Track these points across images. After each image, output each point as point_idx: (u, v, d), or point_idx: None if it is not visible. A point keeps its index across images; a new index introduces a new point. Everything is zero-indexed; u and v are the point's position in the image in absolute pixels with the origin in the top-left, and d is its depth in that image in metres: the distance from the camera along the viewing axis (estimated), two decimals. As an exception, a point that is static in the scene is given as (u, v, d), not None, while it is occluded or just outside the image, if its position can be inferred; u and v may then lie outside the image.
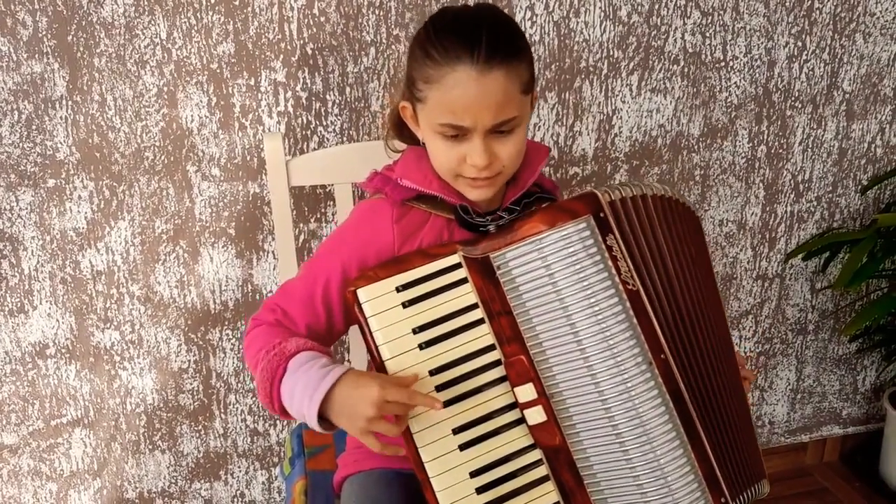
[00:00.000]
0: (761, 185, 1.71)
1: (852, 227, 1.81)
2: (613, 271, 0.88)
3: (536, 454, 0.91)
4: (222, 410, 1.56)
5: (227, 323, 1.51)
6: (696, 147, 1.64)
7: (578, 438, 0.90)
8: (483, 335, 0.92)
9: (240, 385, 1.55)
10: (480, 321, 0.92)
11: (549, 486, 0.91)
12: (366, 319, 0.91)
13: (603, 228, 0.89)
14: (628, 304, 0.88)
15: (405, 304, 0.91)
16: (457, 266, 0.93)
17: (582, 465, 0.90)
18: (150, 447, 1.55)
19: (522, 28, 1.45)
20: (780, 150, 1.70)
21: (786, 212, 1.75)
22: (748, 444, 0.97)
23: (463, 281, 0.92)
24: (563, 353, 0.89)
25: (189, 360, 1.51)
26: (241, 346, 1.53)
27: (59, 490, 1.54)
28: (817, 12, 1.60)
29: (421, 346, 0.90)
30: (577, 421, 0.90)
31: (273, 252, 1.48)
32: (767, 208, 1.74)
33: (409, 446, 0.90)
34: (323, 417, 0.86)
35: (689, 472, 0.89)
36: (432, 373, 0.90)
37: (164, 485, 1.59)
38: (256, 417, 1.58)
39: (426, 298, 0.91)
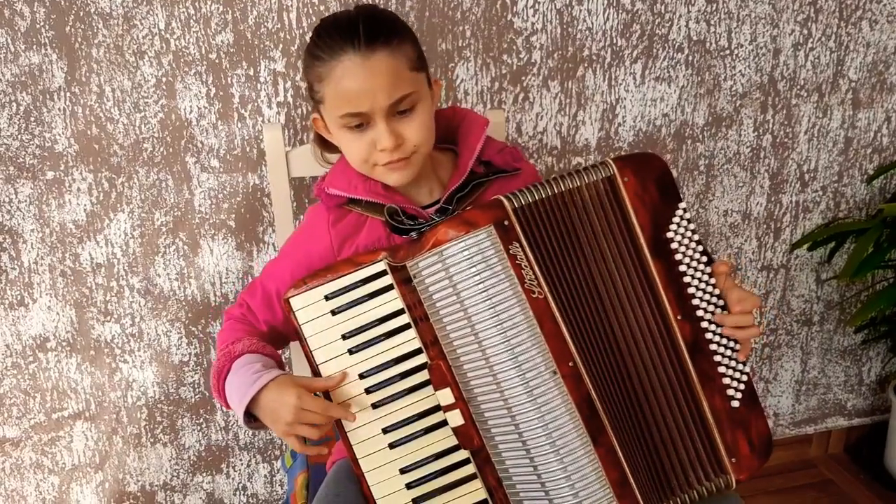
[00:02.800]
0: (766, 174, 1.70)
1: (858, 217, 1.80)
2: (516, 280, 0.88)
3: (464, 453, 0.94)
4: (224, 403, 1.56)
5: (228, 315, 1.50)
6: (700, 136, 1.63)
7: (494, 442, 0.92)
8: (410, 339, 0.95)
9: (241, 378, 1.55)
10: (407, 326, 0.95)
11: (477, 483, 0.94)
12: (300, 326, 0.96)
13: (506, 237, 0.89)
14: (531, 312, 0.88)
15: (334, 312, 0.95)
16: (382, 273, 0.95)
17: (500, 468, 0.93)
18: (152, 440, 1.55)
19: (525, 16, 1.44)
20: (786, 140, 1.68)
21: (791, 202, 1.74)
22: (682, 449, 0.93)
23: (389, 287, 0.95)
24: (473, 360, 0.90)
25: (190, 353, 1.51)
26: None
27: (61, 483, 1.54)
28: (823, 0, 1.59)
29: (350, 351, 0.95)
30: (491, 426, 0.92)
31: (273, 244, 1.47)
32: (773, 198, 1.73)
33: (345, 443, 0.95)
34: (255, 417, 0.95)
35: (594, 481, 0.88)
36: (362, 376, 0.95)
37: (165, 478, 1.58)
38: (258, 410, 1.58)
39: (353, 306, 0.95)
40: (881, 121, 1.73)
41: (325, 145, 1.08)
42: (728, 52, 1.57)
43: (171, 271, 1.45)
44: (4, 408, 1.46)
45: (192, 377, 1.52)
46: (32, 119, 1.31)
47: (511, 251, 0.88)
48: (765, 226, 1.74)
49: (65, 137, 1.33)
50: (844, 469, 1.95)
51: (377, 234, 1.01)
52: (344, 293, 0.95)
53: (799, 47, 1.61)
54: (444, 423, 0.94)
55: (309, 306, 0.96)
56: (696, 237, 0.95)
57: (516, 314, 0.88)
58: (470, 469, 0.94)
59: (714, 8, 1.53)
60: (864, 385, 1.98)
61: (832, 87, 1.67)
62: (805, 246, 1.76)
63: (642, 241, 0.93)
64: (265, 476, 1.64)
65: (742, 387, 0.94)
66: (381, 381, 0.95)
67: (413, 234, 0.97)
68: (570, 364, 0.89)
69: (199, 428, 1.56)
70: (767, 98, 1.63)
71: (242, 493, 1.64)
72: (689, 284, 0.93)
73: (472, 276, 0.89)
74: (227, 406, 1.00)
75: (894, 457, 1.88)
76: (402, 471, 0.94)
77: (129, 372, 1.49)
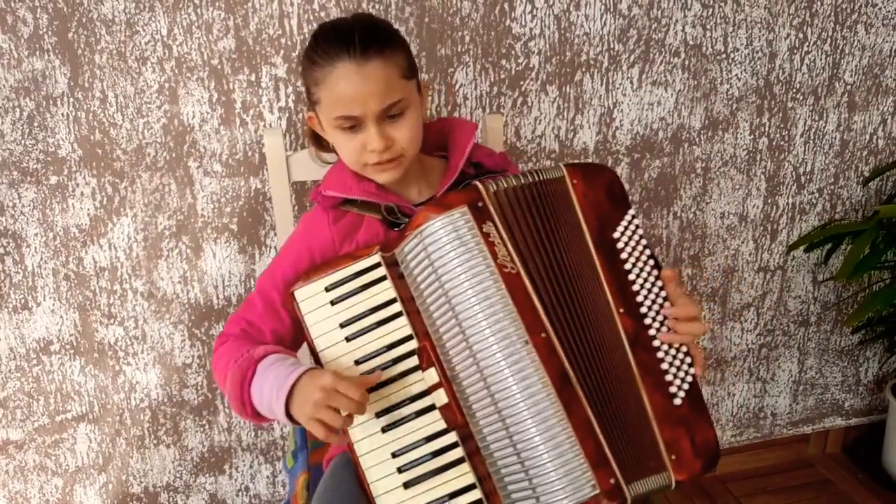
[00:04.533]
0: (763, 177, 1.71)
1: (854, 219, 1.81)
2: (489, 256, 0.93)
3: (453, 437, 0.96)
4: (226, 405, 1.57)
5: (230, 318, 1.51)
6: (697, 140, 1.64)
7: (476, 418, 0.93)
8: (401, 327, 0.99)
9: (243, 380, 1.56)
10: (399, 314, 0.99)
11: (466, 467, 0.96)
12: (302, 316, 1.01)
13: (480, 216, 0.94)
14: (503, 285, 0.92)
15: (333, 302, 1.01)
16: (377, 265, 1.01)
17: (483, 447, 0.94)
18: (155, 442, 1.56)
19: (523, 22, 1.45)
20: (782, 142, 1.70)
21: (787, 204, 1.75)
22: (642, 432, 0.94)
23: (383, 279, 1.00)
24: (452, 336, 0.94)
25: (193, 356, 1.52)
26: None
27: (64, 485, 1.55)
28: (818, 3, 1.60)
29: (347, 339, 1.00)
30: (472, 402, 0.93)
31: (275, 247, 1.49)
32: (769, 200, 1.74)
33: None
34: (289, 413, 0.93)
35: (569, 450, 0.89)
36: (357, 362, 0.99)
37: (168, 479, 1.60)
38: (260, 412, 1.59)
39: (351, 296, 1.01)
40: (877, 123, 1.74)
41: (318, 143, 1.13)
42: (724, 56, 1.59)
43: (174, 274, 1.46)
44: (8, 410, 1.48)
45: (195, 379, 1.54)
46: (36, 124, 1.33)
47: (484, 229, 0.94)
48: (761, 228, 1.76)
49: (68, 142, 1.35)
50: (842, 468, 1.96)
51: (374, 231, 1.06)
52: (342, 284, 1.01)
53: (795, 51, 1.62)
54: (434, 406, 0.96)
55: (311, 298, 1.02)
56: (643, 242, 1.00)
57: (489, 286, 0.92)
58: (458, 453, 0.96)
59: (710, 13, 1.54)
60: (862, 385, 1.99)
61: (828, 90, 1.68)
62: (802, 247, 1.77)
63: (587, 235, 0.98)
64: (267, 477, 1.65)
65: (686, 387, 0.96)
66: (375, 367, 0.98)
67: (402, 226, 1.03)
68: (543, 335, 0.91)
69: (201, 429, 1.57)
70: (763, 101, 1.65)
71: (245, 493, 1.65)
72: (633, 282, 0.97)
73: (448, 253, 0.93)
74: (254, 416, 0.99)
75: (892, 456, 1.89)
76: (394, 454, 0.96)
77: (132, 374, 1.51)
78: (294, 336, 1.07)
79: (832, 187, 1.77)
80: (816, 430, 2.00)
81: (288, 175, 1.26)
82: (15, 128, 1.32)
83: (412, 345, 0.98)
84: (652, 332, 0.96)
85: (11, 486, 1.53)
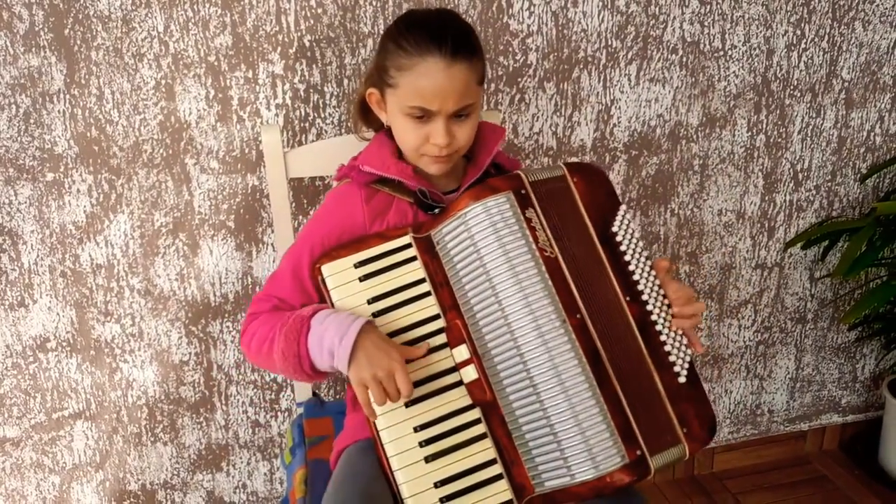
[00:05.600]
0: (760, 174, 1.71)
1: (851, 216, 1.81)
2: (531, 239, 0.99)
3: (475, 413, 0.99)
4: (223, 402, 1.57)
5: (227, 315, 1.51)
6: (694, 137, 1.64)
7: (505, 393, 0.98)
8: (429, 306, 1.02)
9: (241, 377, 1.56)
10: (427, 294, 1.02)
11: (487, 443, 0.99)
12: (328, 291, 1.03)
13: (523, 203, 1.00)
14: (544, 268, 0.98)
15: (361, 279, 1.03)
16: (407, 246, 1.04)
17: (510, 419, 0.98)
18: (152, 439, 1.56)
19: (520, 18, 1.45)
20: (779, 140, 1.70)
21: (785, 201, 1.75)
22: (658, 408, 1.00)
23: (413, 259, 1.04)
24: (489, 314, 0.98)
25: (190, 353, 1.52)
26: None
27: (61, 482, 1.55)
28: (816, 0, 1.60)
29: (374, 315, 1.02)
30: (503, 377, 0.98)
31: (272, 244, 1.48)
32: (766, 197, 1.74)
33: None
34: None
35: (601, 423, 0.94)
36: None
37: (166, 476, 1.60)
38: (258, 409, 1.59)
39: (380, 273, 1.03)
40: (874, 120, 1.74)
41: (365, 119, 1.16)
42: (722, 53, 1.59)
43: (171, 272, 1.46)
44: (5, 408, 1.47)
45: (193, 376, 1.53)
46: (32, 121, 1.32)
47: (527, 214, 1.00)
48: (759, 225, 1.76)
49: (64, 139, 1.34)
50: (839, 465, 1.97)
51: (404, 213, 1.09)
52: (372, 262, 1.04)
53: (792, 48, 1.62)
54: (457, 383, 0.99)
55: (338, 273, 1.03)
56: (637, 234, 1.06)
57: (531, 268, 0.97)
58: (480, 429, 0.98)
59: (708, 10, 1.54)
60: (859, 382, 1.99)
61: (825, 87, 1.68)
62: (799, 244, 1.78)
63: (591, 229, 1.04)
64: (265, 474, 1.65)
65: (687, 366, 1.02)
66: (401, 343, 1.00)
67: (437, 210, 1.07)
68: (578, 316, 0.97)
69: (199, 427, 1.57)
70: (761, 98, 1.65)
71: (242, 491, 1.65)
72: (633, 272, 1.03)
73: (492, 235, 0.98)
74: (311, 371, 1.00)
75: (888, 453, 1.90)
76: (416, 429, 0.98)
77: (129, 371, 1.50)
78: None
79: (829, 184, 1.77)
80: (813, 427, 2.00)
81: (285, 172, 1.26)
82: (11, 124, 1.32)
83: (438, 324, 1.01)
84: (654, 317, 1.02)
85: (8, 483, 1.53)
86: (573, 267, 0.99)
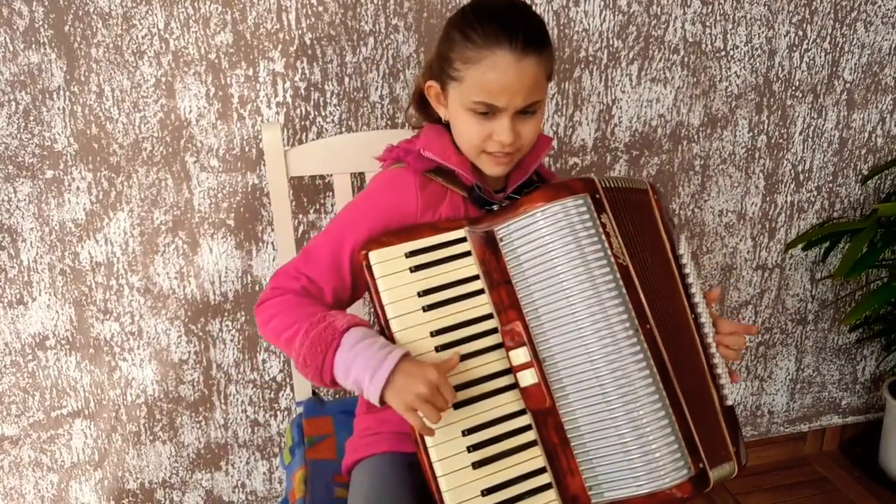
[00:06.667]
0: (761, 175, 1.71)
1: (852, 217, 1.81)
2: (606, 245, 0.95)
3: (526, 419, 0.96)
4: (223, 401, 1.56)
5: (226, 314, 1.51)
6: (696, 137, 1.64)
7: (567, 400, 0.94)
8: (482, 304, 0.98)
9: (240, 376, 1.56)
10: (480, 291, 0.98)
11: (537, 450, 0.95)
12: (374, 280, 0.96)
13: (598, 207, 0.96)
14: (618, 275, 0.94)
15: (412, 269, 0.97)
16: (462, 240, 0.99)
17: (569, 427, 0.94)
18: (151, 438, 1.56)
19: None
20: (781, 140, 1.70)
21: (786, 202, 1.75)
22: (715, 424, 1.01)
23: (467, 254, 0.99)
24: (557, 318, 0.94)
25: (189, 352, 1.52)
26: (241, 337, 1.53)
27: (60, 481, 1.55)
28: (818, 1, 1.60)
29: (424, 308, 0.96)
30: (567, 383, 0.94)
31: (272, 243, 1.48)
32: (767, 198, 1.74)
33: None
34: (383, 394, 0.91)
35: (670, 434, 0.92)
36: (433, 334, 0.96)
37: (165, 475, 1.59)
38: (257, 408, 1.59)
39: (432, 266, 0.98)
40: (875, 121, 1.74)
41: (423, 111, 1.10)
42: (723, 53, 1.58)
43: (171, 270, 1.46)
44: (3, 406, 1.47)
45: (192, 375, 1.53)
46: (32, 118, 1.32)
47: (602, 220, 0.96)
48: (760, 225, 1.76)
49: (64, 136, 1.34)
50: (839, 466, 1.96)
51: (457, 206, 1.05)
52: (424, 253, 0.98)
53: (794, 48, 1.62)
54: (508, 387, 0.96)
55: (387, 262, 0.97)
56: (691, 263, 1.06)
57: (607, 273, 0.94)
58: (530, 436, 0.95)
59: (709, 10, 1.54)
60: (859, 383, 1.99)
61: (827, 87, 1.68)
62: (800, 245, 1.77)
63: (667, 245, 1.04)
64: (264, 473, 1.65)
65: (728, 391, 1.04)
66: (452, 342, 0.96)
67: (494, 206, 1.03)
68: (647, 326, 0.95)
69: (198, 426, 1.57)
70: (763, 99, 1.65)
71: (241, 490, 1.65)
72: (693, 294, 1.04)
73: (569, 235, 0.94)
74: (332, 383, 0.95)
75: (888, 454, 1.90)
76: (465, 433, 0.93)
77: (128, 370, 1.50)
78: (351, 299, 1.04)
79: (831, 185, 1.77)
80: (813, 428, 2.00)
81: (286, 170, 1.25)
82: (10, 122, 1.31)
83: (490, 324, 0.97)
84: (709, 339, 1.03)
85: (7, 481, 1.52)
86: (643, 277, 0.97)
